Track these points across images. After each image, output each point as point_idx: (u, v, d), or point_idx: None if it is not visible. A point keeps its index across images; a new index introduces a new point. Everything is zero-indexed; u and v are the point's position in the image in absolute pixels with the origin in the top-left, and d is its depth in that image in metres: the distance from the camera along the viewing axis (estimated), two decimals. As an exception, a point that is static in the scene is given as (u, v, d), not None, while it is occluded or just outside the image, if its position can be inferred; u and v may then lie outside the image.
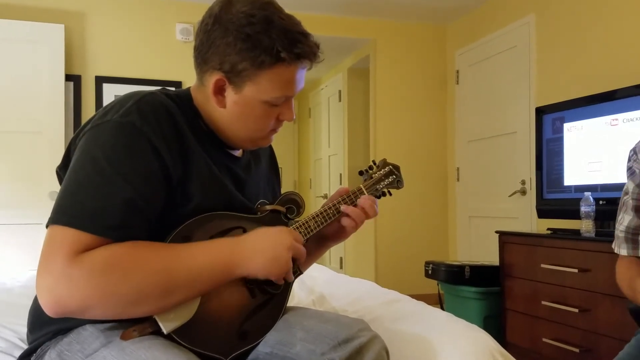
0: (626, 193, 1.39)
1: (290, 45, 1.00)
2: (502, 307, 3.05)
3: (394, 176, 1.32)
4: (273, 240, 0.99)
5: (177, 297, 0.92)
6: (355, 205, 1.19)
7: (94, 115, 1.00)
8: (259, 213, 1.11)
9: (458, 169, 4.56)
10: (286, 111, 1.09)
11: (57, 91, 3.63)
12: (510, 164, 3.95)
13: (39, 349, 1.02)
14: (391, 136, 4.60)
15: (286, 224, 1.13)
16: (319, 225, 1.14)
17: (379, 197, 1.28)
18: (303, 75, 1.07)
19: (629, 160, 1.40)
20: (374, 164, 1.32)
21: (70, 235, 0.86)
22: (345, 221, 1.18)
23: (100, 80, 3.91)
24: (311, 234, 1.13)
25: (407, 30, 4.65)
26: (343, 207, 1.17)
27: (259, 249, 0.98)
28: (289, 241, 1.00)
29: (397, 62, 4.63)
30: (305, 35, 1.03)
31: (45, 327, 1.02)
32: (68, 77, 3.76)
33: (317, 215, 1.15)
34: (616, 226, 1.41)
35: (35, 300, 1.06)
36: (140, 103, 0.97)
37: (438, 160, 4.69)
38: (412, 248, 4.48)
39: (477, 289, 3.16)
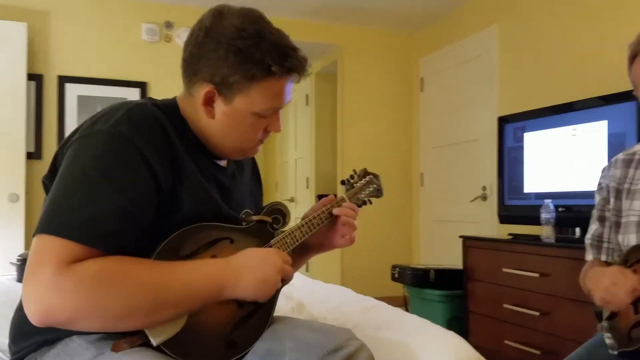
0: (595, 206, 1.49)
1: (280, 59, 1.02)
2: (465, 310, 3.13)
3: (375, 185, 1.36)
4: (262, 263, 1.00)
5: (165, 314, 0.92)
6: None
7: (82, 125, 1.00)
8: (244, 223, 1.13)
9: (422, 174, 4.66)
10: (274, 122, 1.11)
11: (18, 91, 3.52)
12: (472, 171, 4.07)
13: (23, 360, 1.01)
14: (358, 141, 4.66)
15: (272, 234, 1.15)
16: (304, 235, 1.17)
17: (360, 206, 1.31)
18: (291, 88, 1.09)
19: (600, 177, 1.49)
20: (355, 173, 1.36)
21: (60, 245, 0.85)
22: (342, 218, 1.21)
23: (63, 80, 3.81)
24: (297, 243, 1.15)
25: (374, 37, 4.73)
26: (335, 210, 1.20)
27: (248, 272, 0.98)
28: (279, 264, 1.02)
29: (364, 68, 4.69)
30: (294, 49, 1.05)
31: (30, 338, 1.00)
32: (30, 77, 3.65)
33: (303, 226, 1.17)
34: (586, 235, 1.51)
35: (19, 310, 1.04)
36: (130, 113, 0.97)
37: (403, 166, 4.78)
38: (377, 251, 4.55)
39: (442, 291, 3.25)
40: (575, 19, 3.17)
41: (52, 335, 0.98)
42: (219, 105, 1.05)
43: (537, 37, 3.46)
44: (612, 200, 1.42)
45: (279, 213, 1.17)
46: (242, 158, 1.19)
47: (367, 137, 4.69)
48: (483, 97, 3.95)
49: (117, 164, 0.92)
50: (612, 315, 1.33)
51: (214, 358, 1.00)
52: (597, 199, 1.49)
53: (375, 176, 1.37)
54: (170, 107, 1.08)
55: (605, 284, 1.23)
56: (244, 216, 1.16)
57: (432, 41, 4.59)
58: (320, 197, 5.29)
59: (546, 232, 2.67)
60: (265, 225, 1.14)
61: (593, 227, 1.49)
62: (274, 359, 1.02)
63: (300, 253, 1.26)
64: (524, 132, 3.07)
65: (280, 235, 1.14)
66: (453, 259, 3.94)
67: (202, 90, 1.04)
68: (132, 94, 4.00)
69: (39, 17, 3.77)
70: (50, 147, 3.75)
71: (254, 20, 1.03)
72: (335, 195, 1.28)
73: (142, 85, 4.04)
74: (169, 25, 4.12)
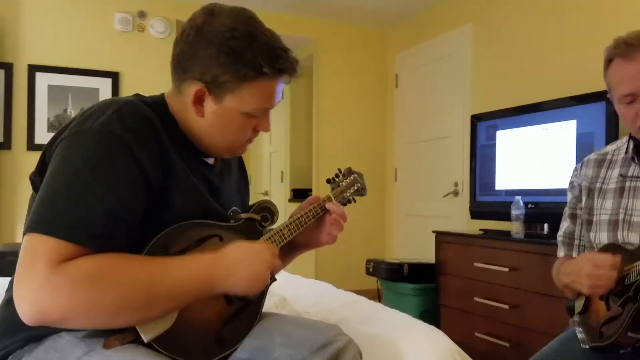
0: (567, 204, 1.54)
1: (272, 60, 1.04)
2: (437, 303, 3.21)
3: (359, 184, 1.38)
4: (252, 257, 1.01)
5: (158, 310, 0.93)
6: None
7: (71, 122, 0.99)
8: (232, 221, 1.14)
9: (396, 169, 4.72)
10: (263, 122, 1.13)
11: (-14, 79, 3.43)
12: (444, 167, 4.14)
13: (10, 357, 1.00)
14: (333, 135, 4.69)
15: (261, 232, 1.16)
16: (292, 233, 1.19)
17: (345, 205, 1.34)
18: (281, 88, 1.11)
19: (572, 175, 1.54)
20: (340, 172, 1.38)
21: (52, 245, 0.85)
22: (333, 215, 1.24)
23: (33, 69, 3.72)
24: (285, 241, 1.17)
25: (350, 33, 4.75)
26: (328, 205, 1.24)
27: (238, 267, 0.99)
28: (268, 258, 1.03)
29: (339, 62, 4.72)
30: (285, 50, 1.07)
31: (16, 334, 1.00)
32: (-1, 65, 3.56)
33: (291, 224, 1.19)
34: (558, 233, 1.56)
35: (4, 306, 1.03)
36: (121, 112, 0.97)
37: (377, 160, 4.83)
38: (351, 245, 4.59)
39: (415, 285, 3.31)
40: (547, 21, 3.25)
41: (39, 332, 0.97)
42: (209, 104, 1.06)
43: (510, 37, 3.53)
44: (584, 199, 1.47)
45: (268, 211, 1.19)
46: (231, 156, 1.20)
47: (343, 132, 4.72)
48: (456, 94, 4.02)
49: (109, 163, 0.92)
50: (584, 310, 1.39)
51: (204, 354, 1.02)
52: (569, 197, 1.54)
53: (360, 175, 1.40)
54: (158, 105, 1.08)
55: (587, 271, 1.24)
56: (231, 214, 1.17)
57: (407, 38, 4.64)
58: (295, 191, 5.27)
59: (516, 228, 2.75)
60: (254, 223, 1.16)
61: (565, 224, 1.54)
62: (264, 355, 1.04)
63: (288, 251, 1.28)
64: (496, 130, 3.15)
65: (268, 233, 1.16)
66: (424, 252, 4.02)
67: (192, 88, 1.04)
68: (104, 84, 3.93)
69: (9, 4, 3.67)
70: (20, 137, 3.67)
71: (246, 21, 1.04)
72: (324, 195, 1.30)
73: (114, 76, 3.97)
74: (142, 15, 4.05)
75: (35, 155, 3.70)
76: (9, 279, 1.92)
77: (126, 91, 3.96)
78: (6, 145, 3.61)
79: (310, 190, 4.76)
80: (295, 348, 1.02)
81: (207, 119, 1.07)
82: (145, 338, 0.93)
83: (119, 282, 0.88)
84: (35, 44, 3.75)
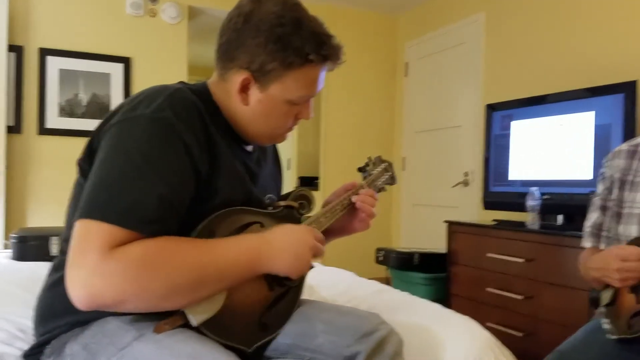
0: (596, 194, 1.54)
1: (318, 47, 1.04)
2: (447, 292, 3.22)
3: (390, 173, 1.39)
4: (297, 239, 1.03)
5: (207, 291, 0.94)
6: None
7: (120, 108, 0.99)
8: (270, 208, 1.14)
9: (404, 158, 4.72)
10: (305, 110, 1.13)
11: (-2, 62, 3.41)
12: (454, 156, 4.14)
13: (54, 341, 1.01)
14: (341, 123, 4.68)
15: (299, 220, 1.17)
16: (329, 221, 1.19)
17: (377, 192, 1.34)
18: (324, 76, 1.11)
19: (602, 166, 1.54)
20: (370, 160, 1.39)
21: (105, 230, 0.86)
22: (359, 204, 1.24)
23: (44, 53, 3.70)
24: (323, 229, 1.18)
25: (358, 17, 4.72)
26: (355, 197, 1.23)
27: (284, 247, 1.01)
28: (312, 241, 1.05)
29: (348, 49, 4.61)
30: (330, 37, 1.07)
31: (59, 319, 1.01)
32: (10, 48, 3.53)
33: (327, 211, 1.20)
34: (585, 223, 1.56)
35: (49, 289, 1.04)
36: (171, 99, 0.97)
37: (385, 149, 4.82)
38: (357, 234, 4.59)
39: (425, 274, 3.33)
40: (562, 10, 3.23)
41: (85, 316, 0.98)
42: (254, 93, 1.06)
43: (523, 27, 3.52)
44: (615, 190, 1.47)
45: (305, 199, 1.19)
46: (271, 144, 1.21)
47: (350, 119, 4.71)
48: (467, 84, 4.01)
49: (161, 150, 0.92)
50: (612, 302, 1.40)
51: (249, 338, 1.03)
52: (600, 188, 1.54)
53: (390, 164, 1.41)
54: (202, 92, 1.09)
55: (616, 266, 1.27)
56: (268, 201, 1.17)
57: (418, 26, 4.62)
58: (302, 179, 5.26)
59: (532, 218, 2.76)
60: (293, 210, 1.17)
61: (594, 215, 1.54)
62: (307, 341, 1.05)
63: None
64: (511, 120, 3.14)
65: (306, 221, 1.16)
66: (432, 242, 4.03)
67: (239, 77, 1.04)
68: (116, 69, 3.91)
69: (21, -13, 3.64)
70: (31, 121, 3.66)
71: (293, 8, 1.04)
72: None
73: (125, 61, 3.95)
74: (154, -1, 4.02)
75: (47, 140, 3.69)
76: (31, 263, 1.94)
77: (138, 77, 3.95)
78: (17, 129, 3.60)
79: (317, 178, 4.77)
80: (338, 335, 1.03)
81: (252, 107, 1.07)
82: (194, 322, 0.95)
83: (171, 266, 0.89)
84: (47, 28, 3.72)
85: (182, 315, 0.95)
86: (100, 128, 0.99)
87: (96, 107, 3.84)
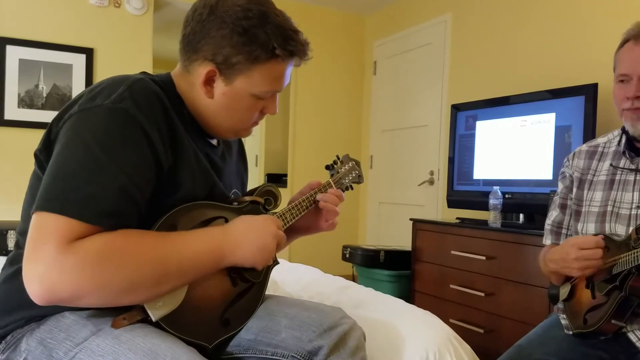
0: (556, 193, 1.58)
1: (284, 42, 1.03)
2: (411, 289, 3.26)
3: (356, 171, 1.39)
4: (259, 229, 1.02)
5: (169, 285, 0.93)
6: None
7: (79, 98, 0.97)
8: (235, 203, 1.13)
9: (372, 156, 4.75)
10: (271, 105, 1.12)
11: (-46, 50, 3.28)
12: (420, 155, 4.19)
13: (9, 336, 0.98)
14: (309, 120, 4.68)
15: (264, 215, 1.16)
16: (294, 217, 1.19)
17: (344, 191, 1.34)
18: (290, 71, 1.10)
19: (563, 166, 1.58)
20: (338, 158, 1.39)
21: (63, 223, 0.84)
22: (322, 204, 1.24)
23: (3, 42, 3.57)
24: (287, 225, 1.17)
25: (328, 16, 4.73)
26: (319, 196, 1.23)
27: (247, 238, 1.01)
28: (274, 229, 1.04)
29: (316, 46, 4.66)
30: (297, 32, 1.06)
31: (15, 314, 0.98)
32: (-33, 36, 3.41)
33: (293, 208, 1.20)
34: (546, 221, 1.60)
35: (1, 285, 1.01)
36: (132, 89, 0.95)
37: (353, 147, 4.84)
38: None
39: (390, 272, 3.36)
40: (527, 14, 3.30)
41: (41, 311, 0.96)
42: (219, 85, 1.05)
43: (489, 29, 3.58)
44: (574, 189, 1.51)
45: (271, 195, 1.19)
46: (236, 138, 1.19)
47: (319, 117, 4.72)
48: (433, 83, 4.06)
49: (121, 142, 0.90)
50: (569, 298, 1.44)
51: (210, 334, 1.01)
52: (560, 187, 1.58)
53: (357, 163, 1.42)
54: (166, 84, 1.07)
55: (574, 255, 1.30)
56: (233, 196, 1.16)
57: (386, 25, 4.65)
58: (269, 176, 5.24)
59: (493, 217, 2.81)
60: (258, 206, 1.16)
61: (554, 213, 1.58)
62: (270, 336, 1.04)
63: (287, 235, 1.28)
64: (476, 120, 3.20)
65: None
66: (398, 240, 4.07)
67: (203, 69, 1.03)
68: (78, 60, 3.81)
69: (-21, -28, 3.51)
70: (-12, 112, 3.53)
71: (260, 1, 1.03)
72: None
73: (88, 52, 3.85)
74: (119, -10, 3.93)
75: (4, 132, 3.57)
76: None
77: (101, 68, 3.86)
78: (-26, 119, 3.48)
79: (286, 175, 4.76)
80: (301, 330, 1.03)
81: (216, 99, 1.06)
82: (154, 317, 0.93)
83: (130, 261, 0.87)
84: (7, 16, 3.60)
85: (141, 310, 0.93)
86: (58, 118, 0.96)
87: (57, 99, 3.73)
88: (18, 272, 0.91)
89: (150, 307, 0.93)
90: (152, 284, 0.90)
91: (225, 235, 0.99)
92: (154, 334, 0.90)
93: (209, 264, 0.97)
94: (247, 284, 1.09)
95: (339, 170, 1.35)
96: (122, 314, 0.93)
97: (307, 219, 1.26)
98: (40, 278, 0.82)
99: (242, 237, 1.00)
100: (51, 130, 0.96)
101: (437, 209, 3.95)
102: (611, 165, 1.43)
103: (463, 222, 3.05)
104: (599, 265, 1.30)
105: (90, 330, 0.91)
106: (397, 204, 4.41)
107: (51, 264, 0.82)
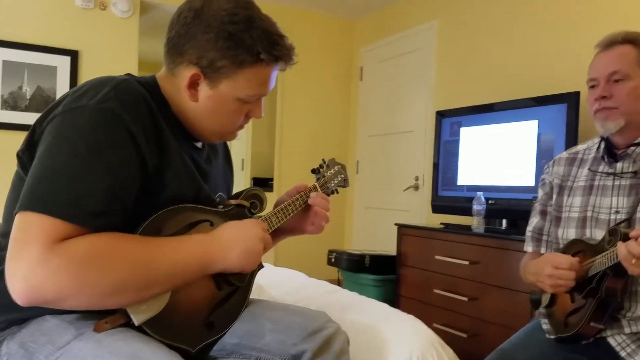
0: (537, 200, 1.60)
1: (269, 46, 1.04)
2: (396, 294, 3.27)
3: (342, 175, 1.40)
4: (245, 234, 1.03)
5: (155, 290, 0.92)
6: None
7: (64, 98, 0.96)
8: (220, 207, 1.13)
9: (358, 161, 4.76)
10: (256, 109, 1.13)
11: (-64, 50, 3.24)
12: (406, 161, 4.21)
13: (-11, 340, 0.97)
14: (296, 124, 4.68)
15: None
16: (280, 221, 1.19)
17: (329, 195, 1.35)
18: (275, 75, 1.11)
19: (543, 172, 1.60)
20: (324, 162, 1.39)
21: (47, 224, 0.83)
22: (316, 209, 1.25)
23: (-14, 43, 3.54)
24: (273, 228, 1.17)
25: (316, 21, 4.74)
26: (311, 199, 1.24)
27: (234, 244, 1.01)
28: (260, 232, 1.05)
29: (304, 51, 4.69)
30: (282, 37, 1.07)
31: None
32: (-51, 36, 3.36)
33: (279, 212, 1.20)
34: (527, 228, 1.62)
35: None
36: (117, 89, 0.95)
37: (340, 152, 4.85)
38: (310, 235, 4.59)
39: (375, 276, 3.37)
40: (512, 22, 3.34)
41: (23, 314, 0.95)
42: (204, 89, 1.05)
43: (474, 36, 3.61)
44: (554, 196, 1.53)
45: (257, 198, 1.19)
46: (221, 141, 1.19)
47: (306, 121, 4.72)
48: (419, 90, 4.09)
49: (106, 141, 0.90)
50: (550, 304, 1.45)
51: (194, 338, 1.01)
52: (540, 193, 1.60)
53: (343, 167, 1.42)
54: (151, 85, 1.07)
55: (548, 272, 1.33)
56: (219, 199, 1.16)
57: (373, 31, 4.67)
58: (255, 180, 5.21)
59: (477, 222, 2.83)
60: (244, 209, 1.16)
61: (535, 220, 1.60)
62: (254, 340, 1.04)
63: (273, 236, 1.28)
64: (460, 126, 3.22)
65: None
66: (383, 245, 4.08)
67: (188, 72, 1.03)
68: (63, 62, 3.78)
69: (-38, -28, 3.47)
70: (-30, 113, 3.49)
71: (245, 5, 1.04)
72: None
73: (73, 54, 3.82)
74: (105, -8, 3.91)
75: (-12, 134, 3.49)
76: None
77: (86, 71, 3.83)
78: (-45, 121, 3.43)
79: (272, 179, 4.75)
80: (285, 334, 1.03)
81: (201, 103, 1.06)
82: (137, 321, 0.92)
83: (117, 264, 0.87)
84: (-10, 17, 3.57)
85: (124, 314, 0.93)
86: (42, 119, 0.95)
87: (41, 101, 3.70)
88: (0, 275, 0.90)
89: (133, 310, 0.93)
90: (139, 288, 0.89)
91: (213, 242, 0.99)
92: (137, 338, 0.90)
93: (196, 271, 0.97)
94: (232, 288, 1.08)
95: (325, 174, 1.36)
96: (104, 317, 0.92)
97: (292, 222, 1.26)
98: (24, 277, 0.81)
99: (229, 242, 1.00)
100: (35, 131, 0.96)
101: (422, 214, 3.97)
102: (589, 170, 1.46)
103: (447, 227, 3.07)
104: (570, 286, 1.32)
105: (72, 333, 0.90)
106: (382, 209, 4.43)
107: (36, 263, 0.81)
